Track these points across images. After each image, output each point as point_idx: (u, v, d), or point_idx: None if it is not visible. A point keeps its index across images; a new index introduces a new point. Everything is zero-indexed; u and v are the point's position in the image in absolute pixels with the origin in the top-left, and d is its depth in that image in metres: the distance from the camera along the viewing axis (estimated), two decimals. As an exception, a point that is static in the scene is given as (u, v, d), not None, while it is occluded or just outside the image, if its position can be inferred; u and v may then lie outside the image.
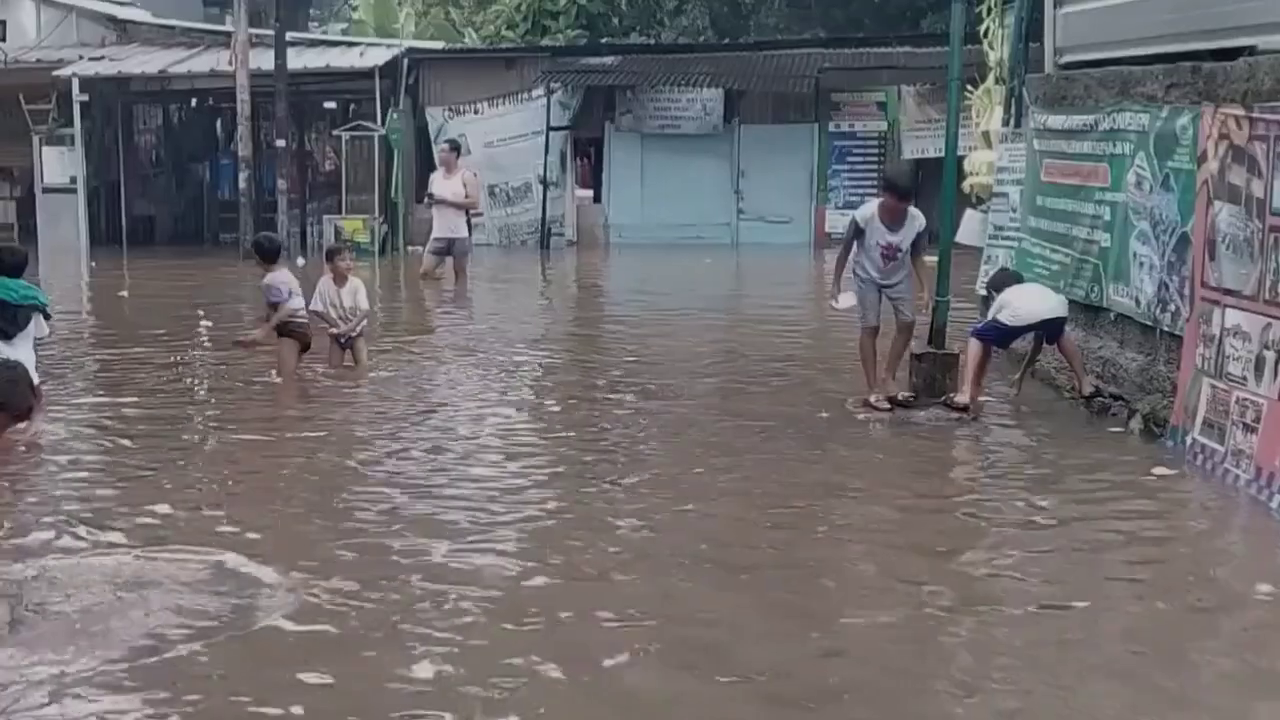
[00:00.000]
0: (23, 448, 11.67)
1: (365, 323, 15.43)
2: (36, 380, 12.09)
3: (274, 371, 14.79)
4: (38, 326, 12.41)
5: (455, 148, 25.22)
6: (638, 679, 7.10)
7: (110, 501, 10.31)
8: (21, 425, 11.34)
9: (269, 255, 14.99)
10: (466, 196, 23.54)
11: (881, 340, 13.40)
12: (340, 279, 15.19)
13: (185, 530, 9.46)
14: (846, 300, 13.65)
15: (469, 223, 24.15)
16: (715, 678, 7.01)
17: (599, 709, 6.78)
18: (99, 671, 7.02)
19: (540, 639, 7.52)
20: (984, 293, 15.02)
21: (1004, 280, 13.88)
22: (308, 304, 14.88)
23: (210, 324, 18.55)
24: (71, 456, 11.67)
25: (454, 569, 8.70)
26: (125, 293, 23.06)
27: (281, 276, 14.75)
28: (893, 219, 13.05)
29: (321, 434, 12.61)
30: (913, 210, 13.19)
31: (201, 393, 14.68)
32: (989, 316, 13.62)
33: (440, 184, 23.63)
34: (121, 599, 8.07)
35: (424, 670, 7.07)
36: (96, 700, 6.74)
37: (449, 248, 23.32)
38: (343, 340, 15.21)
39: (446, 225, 23.40)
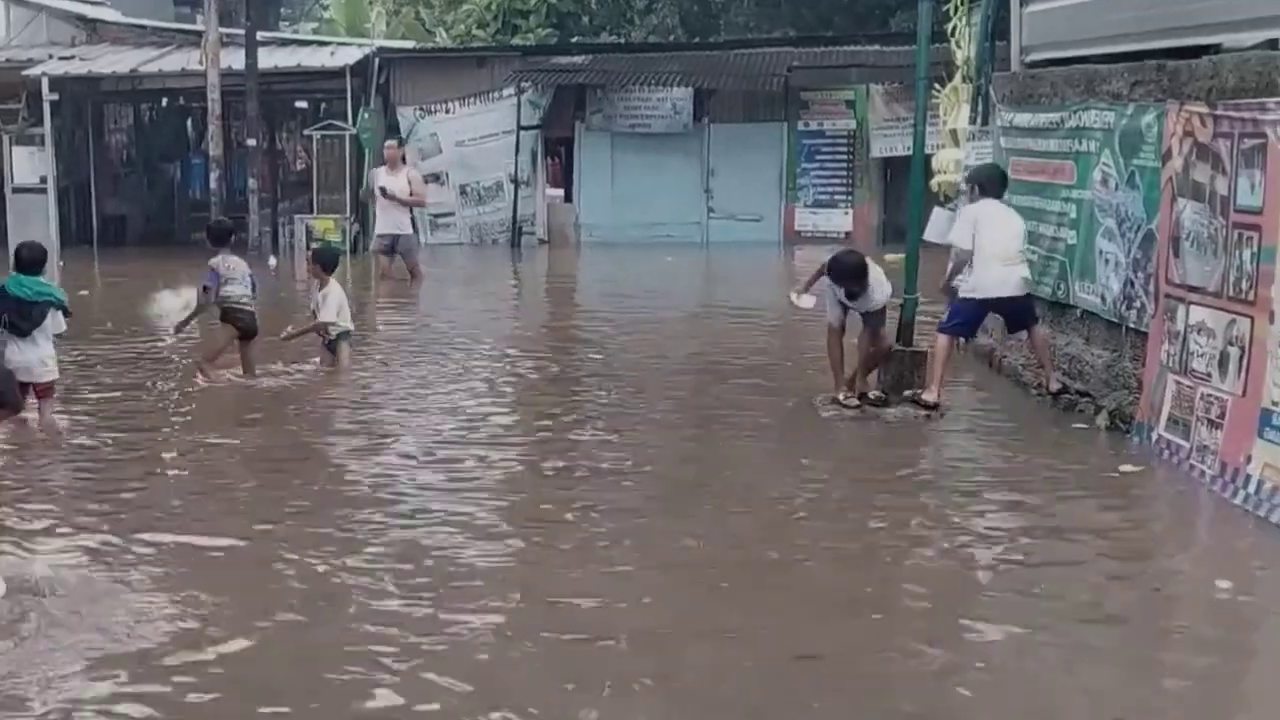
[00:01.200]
0: (41, 434, 12.30)
1: (338, 327, 15.25)
2: (56, 375, 12.63)
3: (219, 373, 14.85)
4: (55, 322, 12.50)
5: (401, 144, 25.32)
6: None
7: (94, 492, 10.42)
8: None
9: (219, 238, 15.08)
10: (412, 194, 23.62)
11: (849, 340, 13.40)
12: (319, 281, 15.44)
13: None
14: (807, 301, 13.64)
15: (414, 220, 24.18)
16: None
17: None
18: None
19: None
20: (964, 187, 14.84)
21: (988, 178, 13.56)
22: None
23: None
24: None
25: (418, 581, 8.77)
26: (86, 291, 23.03)
27: (221, 261, 14.74)
28: (845, 292, 13.09)
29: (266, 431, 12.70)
30: (875, 285, 13.00)
31: (151, 387, 14.70)
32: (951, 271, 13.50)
33: (384, 180, 23.59)
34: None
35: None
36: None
37: (393, 244, 23.29)
38: (325, 341, 15.30)
39: (391, 222, 23.40)
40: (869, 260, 13.12)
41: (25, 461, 11.61)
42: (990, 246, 12.90)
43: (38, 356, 12.28)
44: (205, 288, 14.74)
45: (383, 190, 23.25)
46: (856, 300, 12.98)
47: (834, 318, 13.25)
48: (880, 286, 13.05)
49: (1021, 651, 7.49)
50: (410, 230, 23.69)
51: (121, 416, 13.25)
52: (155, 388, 14.55)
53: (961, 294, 13.28)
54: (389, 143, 25.04)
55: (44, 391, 12.55)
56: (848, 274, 12.93)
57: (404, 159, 24.90)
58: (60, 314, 12.57)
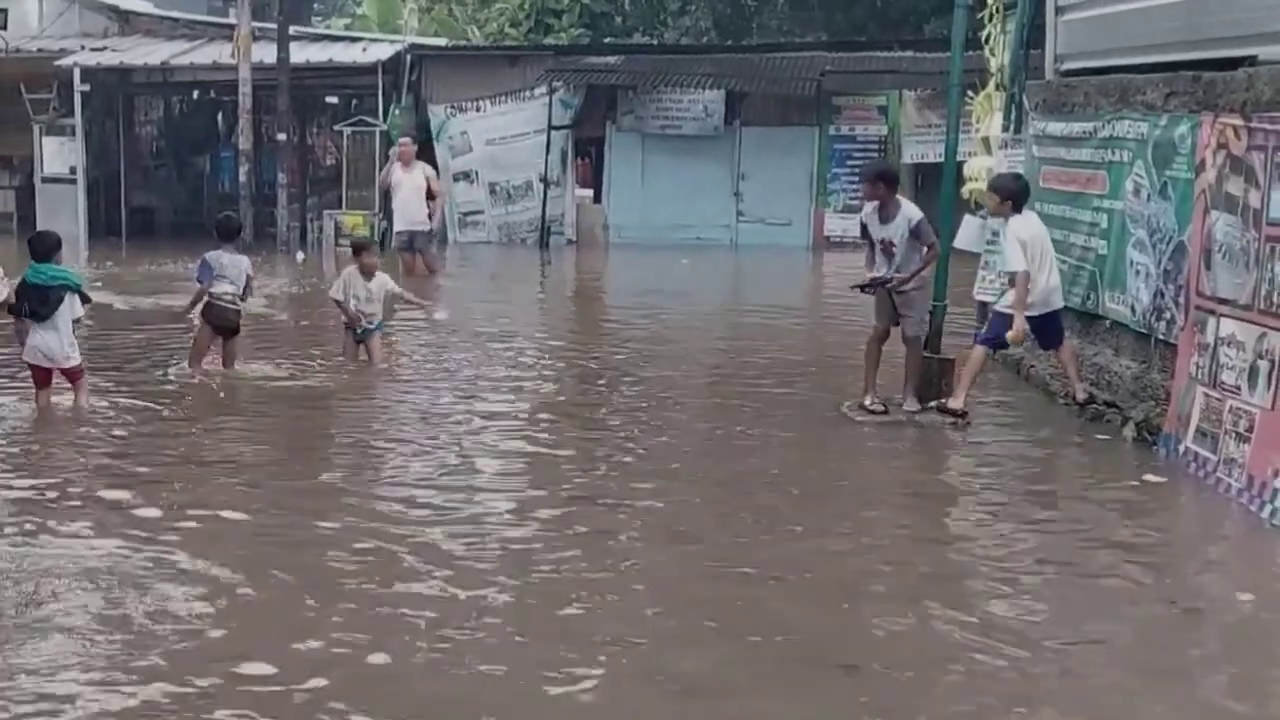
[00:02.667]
0: (80, 427, 12.39)
1: (379, 318, 15.38)
2: (78, 360, 12.81)
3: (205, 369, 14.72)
4: (72, 306, 12.62)
5: (415, 141, 25.30)
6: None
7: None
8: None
9: (227, 234, 14.90)
10: (431, 193, 23.47)
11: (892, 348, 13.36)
12: (368, 273, 15.29)
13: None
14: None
15: (430, 214, 23.85)
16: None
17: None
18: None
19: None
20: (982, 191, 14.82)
21: (1016, 191, 13.06)
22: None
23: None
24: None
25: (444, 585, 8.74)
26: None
27: (217, 256, 14.56)
28: (878, 209, 13.02)
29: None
30: (905, 206, 13.07)
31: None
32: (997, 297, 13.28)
33: (398, 176, 23.56)
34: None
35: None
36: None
37: (411, 241, 23.30)
38: (357, 334, 15.25)
39: (407, 218, 23.40)
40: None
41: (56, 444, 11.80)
42: (1039, 264, 12.81)
43: (59, 340, 12.47)
44: (200, 279, 14.65)
45: (429, 226, 23.23)
46: (890, 225, 12.90)
47: (879, 316, 13.19)
48: (906, 211, 12.98)
49: (1035, 659, 7.44)
50: (427, 226, 23.60)
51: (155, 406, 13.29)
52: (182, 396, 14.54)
53: (1001, 309, 13.09)
54: (403, 139, 24.83)
55: (72, 376, 12.76)
56: (877, 174, 13.28)
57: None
58: (78, 299, 12.70)
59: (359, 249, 15.79)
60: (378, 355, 15.33)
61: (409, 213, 23.40)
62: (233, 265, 14.62)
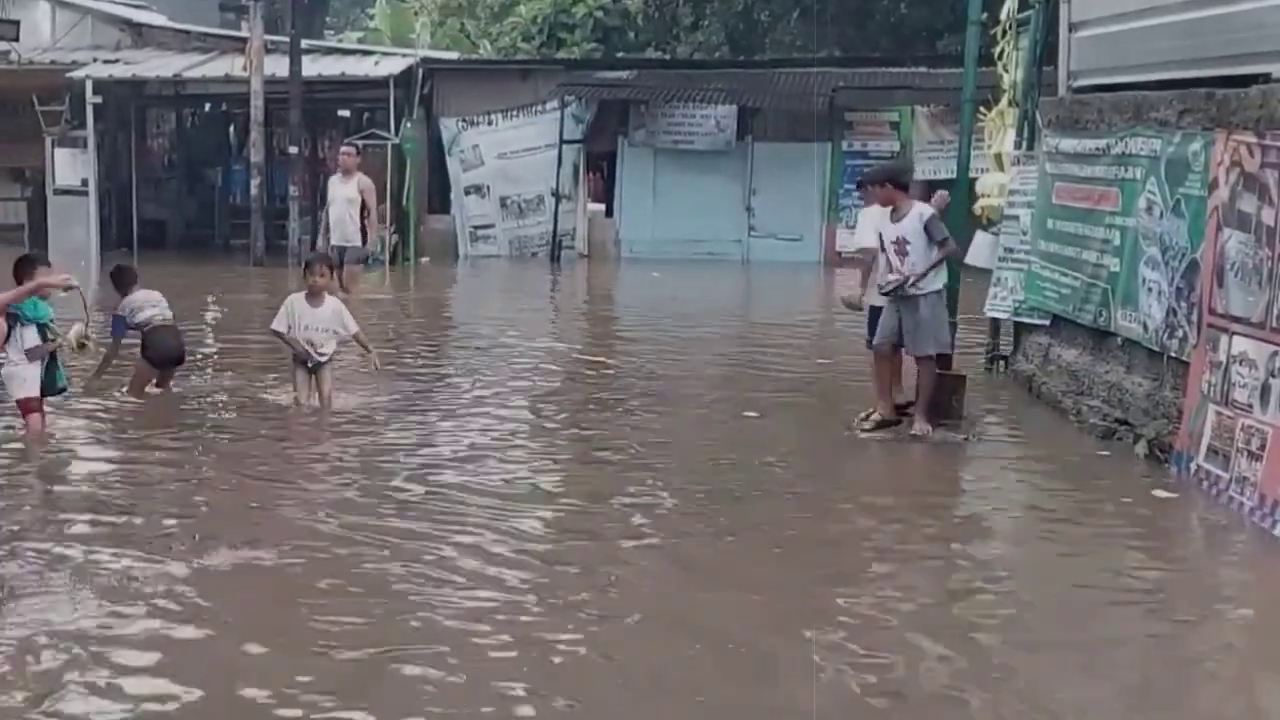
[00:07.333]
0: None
1: (334, 346, 13.83)
2: (25, 394, 12.26)
3: (124, 388, 14.06)
4: (23, 337, 12.11)
5: (359, 151, 24.13)
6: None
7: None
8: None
9: (126, 284, 14.25)
10: (364, 206, 21.77)
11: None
12: (315, 296, 13.75)
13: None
14: (873, 298, 13.54)
15: (363, 230, 21.94)
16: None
17: None
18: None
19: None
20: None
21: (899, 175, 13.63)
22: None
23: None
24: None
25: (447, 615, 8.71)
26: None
27: (127, 302, 13.99)
28: (891, 211, 12.97)
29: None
30: (916, 204, 13.08)
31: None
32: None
33: (336, 188, 22.11)
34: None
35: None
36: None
37: (342, 256, 21.12)
38: (309, 365, 13.69)
39: (338, 233, 21.63)
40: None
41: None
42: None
43: (7, 370, 12.13)
44: (115, 336, 14.10)
45: (357, 248, 21.90)
46: (903, 223, 12.81)
47: (878, 334, 13.15)
48: (918, 207, 13.04)
49: (1034, 670, 7.45)
50: (359, 242, 21.86)
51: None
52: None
53: (873, 303, 13.38)
54: (345, 149, 23.67)
55: (20, 408, 12.32)
56: (885, 178, 13.20)
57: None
58: (33, 330, 12.18)
59: (305, 265, 14.40)
60: (327, 390, 13.73)
61: (340, 227, 21.65)
62: (148, 296, 14.13)
